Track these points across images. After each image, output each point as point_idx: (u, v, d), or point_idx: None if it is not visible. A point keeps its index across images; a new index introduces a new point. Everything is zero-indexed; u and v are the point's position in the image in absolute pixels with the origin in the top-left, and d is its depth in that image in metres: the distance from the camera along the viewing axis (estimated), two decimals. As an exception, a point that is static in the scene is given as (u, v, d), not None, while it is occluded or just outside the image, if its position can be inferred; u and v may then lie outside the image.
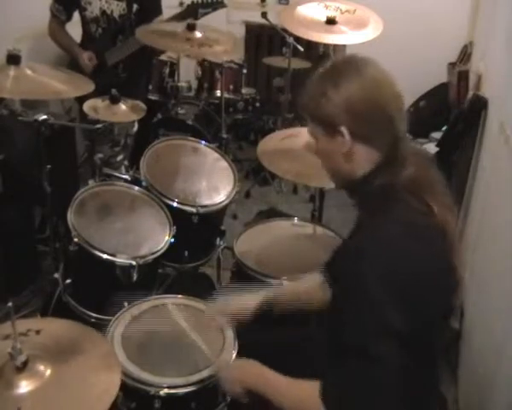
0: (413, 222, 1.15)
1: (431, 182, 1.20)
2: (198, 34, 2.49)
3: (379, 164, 1.20)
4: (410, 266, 1.13)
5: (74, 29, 3.02)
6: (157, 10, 3.03)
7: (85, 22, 2.96)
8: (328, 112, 1.19)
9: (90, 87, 2.15)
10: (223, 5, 3.04)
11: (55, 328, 1.29)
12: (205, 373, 1.44)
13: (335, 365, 1.17)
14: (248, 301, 1.60)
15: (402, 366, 1.09)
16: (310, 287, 1.59)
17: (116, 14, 2.93)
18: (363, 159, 1.21)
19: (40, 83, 2.01)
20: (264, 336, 1.59)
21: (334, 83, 1.19)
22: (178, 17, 2.90)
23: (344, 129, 1.18)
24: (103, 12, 2.92)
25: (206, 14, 2.96)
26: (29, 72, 2.02)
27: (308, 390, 1.19)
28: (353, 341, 1.12)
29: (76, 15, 2.99)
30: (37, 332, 1.24)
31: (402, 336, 1.09)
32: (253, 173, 3.92)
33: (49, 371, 1.14)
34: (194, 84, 3.52)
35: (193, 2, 2.98)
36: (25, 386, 1.10)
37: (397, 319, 1.08)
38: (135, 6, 2.94)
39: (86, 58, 2.87)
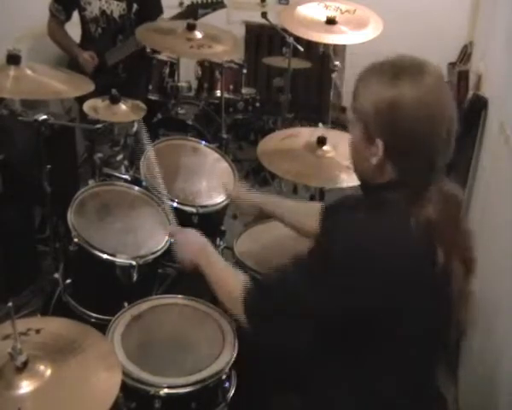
0: (409, 236, 1.10)
1: (448, 230, 1.11)
2: (198, 34, 2.49)
3: (396, 181, 1.14)
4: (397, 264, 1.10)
5: (74, 29, 3.02)
6: (157, 9, 3.03)
7: (85, 22, 2.96)
8: (371, 117, 1.11)
9: (90, 87, 2.15)
10: (222, 5, 3.04)
11: (55, 327, 1.29)
12: (205, 373, 1.44)
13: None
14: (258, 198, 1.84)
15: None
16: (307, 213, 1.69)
17: (116, 15, 2.93)
18: (387, 174, 1.15)
19: (40, 83, 2.01)
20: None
21: (386, 88, 1.08)
22: (178, 18, 2.91)
23: (380, 142, 1.11)
24: (103, 12, 2.92)
25: (205, 14, 2.97)
26: (29, 72, 2.02)
27: (236, 285, 1.31)
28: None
29: (75, 15, 2.99)
30: (38, 331, 1.24)
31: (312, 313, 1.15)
32: (253, 173, 3.91)
33: (49, 371, 1.14)
34: (194, 84, 3.52)
35: (192, 3, 2.98)
36: (25, 386, 1.10)
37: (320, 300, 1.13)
38: (135, 6, 2.95)
39: (87, 56, 2.87)
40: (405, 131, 1.08)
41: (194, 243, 1.56)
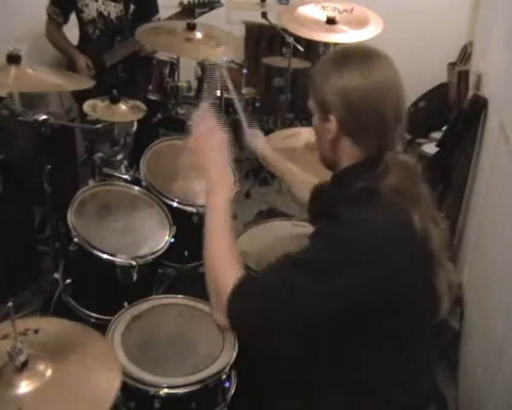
0: (393, 220, 1.14)
1: (415, 195, 1.17)
2: (198, 34, 2.49)
3: (359, 164, 1.20)
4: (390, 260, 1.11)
5: (72, 31, 3.02)
6: (154, 10, 3.04)
7: (83, 24, 2.96)
8: (325, 96, 1.19)
9: (89, 83, 2.17)
10: (219, 4, 3.03)
11: (53, 327, 1.29)
12: (205, 373, 1.44)
13: None
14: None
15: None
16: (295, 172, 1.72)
17: (113, 16, 2.94)
18: (347, 153, 1.21)
19: (40, 78, 2.03)
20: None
21: (338, 70, 1.18)
22: (175, 18, 2.90)
23: (333, 118, 1.19)
24: (100, 13, 2.92)
25: (202, 13, 2.96)
26: (29, 70, 2.03)
27: (231, 272, 1.18)
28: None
29: (73, 17, 2.99)
30: (36, 331, 1.24)
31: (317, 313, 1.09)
32: (253, 173, 3.92)
33: (49, 371, 1.14)
34: (194, 84, 3.52)
35: (189, 2, 2.98)
36: (25, 386, 1.10)
37: (320, 301, 1.08)
38: (131, 7, 2.95)
39: (83, 64, 2.88)
40: (356, 109, 1.16)
41: (213, 147, 1.34)
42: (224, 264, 1.22)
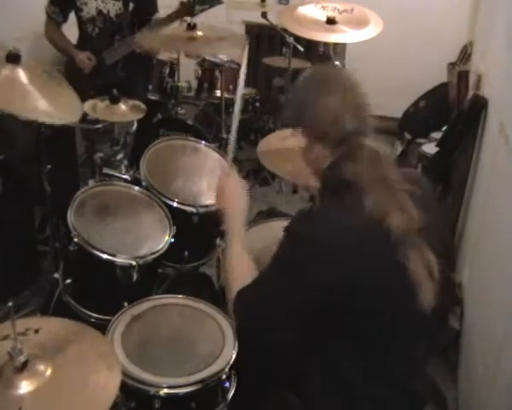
0: (357, 215, 1.20)
1: (381, 180, 1.23)
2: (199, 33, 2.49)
3: (330, 163, 1.31)
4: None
5: (71, 30, 3.02)
6: (153, 8, 3.04)
7: (82, 23, 2.96)
8: (295, 113, 1.39)
9: (76, 116, 2.11)
10: (219, 2, 3.02)
11: (53, 327, 1.29)
12: (205, 373, 1.44)
13: None
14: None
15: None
16: None
17: (112, 14, 2.93)
18: (321, 157, 1.34)
19: (27, 97, 1.94)
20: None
21: (300, 89, 1.39)
22: (174, 15, 2.89)
23: (301, 128, 1.36)
24: (99, 12, 2.92)
25: (202, 10, 2.94)
26: (23, 77, 1.98)
27: (242, 278, 1.34)
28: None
29: (72, 16, 2.99)
30: (36, 331, 1.24)
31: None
32: (253, 173, 3.91)
33: (49, 371, 1.14)
34: (194, 84, 3.52)
35: (189, 0, 2.97)
36: (25, 386, 1.10)
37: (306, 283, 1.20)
38: (131, 5, 2.94)
39: (84, 57, 2.87)
40: (321, 124, 1.32)
41: (234, 200, 1.60)
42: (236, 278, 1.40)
